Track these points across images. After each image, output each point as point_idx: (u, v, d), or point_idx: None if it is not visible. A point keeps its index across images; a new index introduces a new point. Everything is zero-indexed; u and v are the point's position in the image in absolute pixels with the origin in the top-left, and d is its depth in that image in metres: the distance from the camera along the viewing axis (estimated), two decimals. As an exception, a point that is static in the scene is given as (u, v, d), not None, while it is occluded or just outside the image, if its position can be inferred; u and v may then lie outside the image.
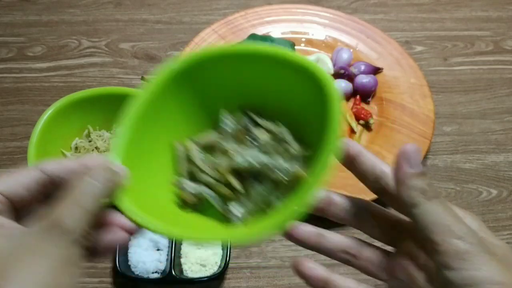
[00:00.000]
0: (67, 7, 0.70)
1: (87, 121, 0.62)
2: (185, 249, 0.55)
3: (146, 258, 0.54)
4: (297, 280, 0.55)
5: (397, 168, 0.29)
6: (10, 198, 0.28)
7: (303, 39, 0.78)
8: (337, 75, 0.74)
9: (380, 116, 0.70)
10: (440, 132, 0.70)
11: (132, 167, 0.30)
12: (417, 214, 0.28)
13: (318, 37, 0.78)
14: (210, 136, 0.34)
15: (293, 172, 0.31)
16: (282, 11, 0.80)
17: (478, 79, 0.78)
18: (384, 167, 0.32)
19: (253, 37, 0.75)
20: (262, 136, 0.32)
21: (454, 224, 0.28)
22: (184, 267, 0.54)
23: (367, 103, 0.71)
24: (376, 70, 0.74)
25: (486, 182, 0.65)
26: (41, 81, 0.73)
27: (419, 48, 0.81)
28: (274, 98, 0.33)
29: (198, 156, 0.33)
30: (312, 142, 0.31)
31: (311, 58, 0.74)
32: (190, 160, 0.33)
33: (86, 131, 0.62)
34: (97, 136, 0.62)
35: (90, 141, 0.61)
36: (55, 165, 0.29)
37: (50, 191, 0.29)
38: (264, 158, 0.31)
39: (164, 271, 0.53)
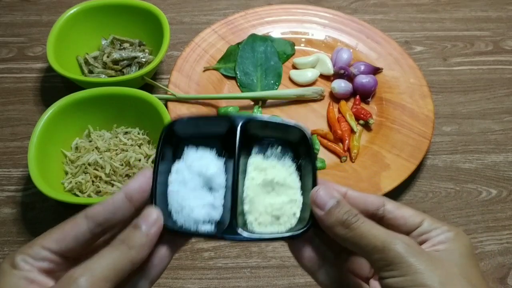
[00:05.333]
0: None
1: (87, 121, 0.62)
2: (250, 192, 0.37)
3: (193, 202, 0.35)
4: (297, 280, 0.56)
5: (316, 218, 0.33)
6: (62, 253, 0.30)
7: (303, 39, 0.78)
8: (337, 75, 0.74)
9: (379, 116, 0.70)
10: (439, 132, 0.70)
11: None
12: (352, 244, 0.32)
13: (318, 37, 0.78)
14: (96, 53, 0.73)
15: None
16: (282, 11, 0.80)
17: (477, 79, 0.78)
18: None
19: (253, 37, 0.75)
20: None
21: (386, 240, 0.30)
22: (249, 217, 0.36)
23: (367, 103, 0.72)
24: (375, 70, 0.74)
25: (485, 182, 0.65)
26: (42, 81, 0.73)
27: (418, 48, 0.82)
28: None
29: (91, 60, 0.71)
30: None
31: (311, 58, 0.75)
32: (88, 63, 0.71)
33: (86, 131, 0.63)
34: (97, 136, 0.62)
35: (90, 141, 0.61)
36: (100, 209, 0.31)
37: (101, 234, 0.31)
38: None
39: (220, 222, 0.35)
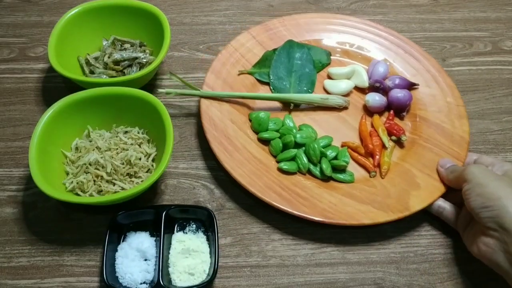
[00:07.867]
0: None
1: (87, 121, 0.63)
2: (173, 258, 0.55)
3: (133, 269, 0.53)
4: (297, 279, 0.56)
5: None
6: None
7: (340, 50, 0.77)
8: (372, 88, 0.72)
9: (413, 134, 0.68)
10: (438, 132, 0.71)
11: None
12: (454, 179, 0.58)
13: (355, 49, 0.77)
14: (97, 53, 0.73)
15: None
16: (321, 21, 0.79)
17: (476, 79, 0.78)
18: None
19: (290, 43, 0.75)
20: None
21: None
22: (173, 276, 0.54)
23: (401, 117, 0.70)
24: (411, 85, 0.72)
25: (484, 181, 0.66)
26: (43, 82, 0.73)
27: (418, 49, 0.82)
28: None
29: (92, 61, 0.71)
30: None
31: (346, 69, 0.74)
32: (89, 63, 0.71)
33: (86, 131, 0.63)
34: (97, 135, 0.62)
35: (90, 141, 0.62)
36: None
37: None
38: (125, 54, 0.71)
39: (152, 281, 0.53)
